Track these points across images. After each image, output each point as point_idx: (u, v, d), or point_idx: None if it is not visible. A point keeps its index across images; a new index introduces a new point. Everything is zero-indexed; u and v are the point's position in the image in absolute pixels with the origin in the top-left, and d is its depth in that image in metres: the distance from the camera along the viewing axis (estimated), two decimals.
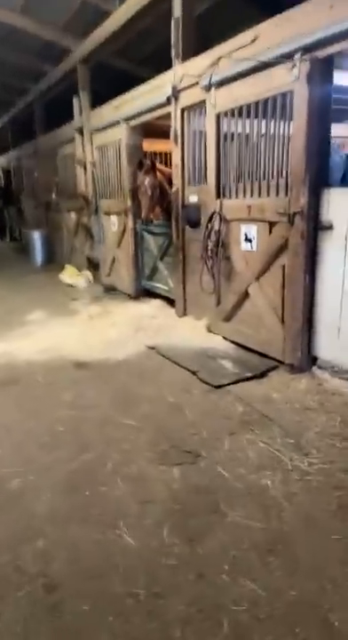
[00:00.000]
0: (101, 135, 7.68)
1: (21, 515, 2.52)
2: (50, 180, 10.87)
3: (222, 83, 4.61)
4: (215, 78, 4.66)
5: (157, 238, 6.60)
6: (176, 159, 5.70)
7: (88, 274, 8.55)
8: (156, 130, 7.42)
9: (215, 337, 5.23)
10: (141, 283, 7.32)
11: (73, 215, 9.57)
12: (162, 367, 4.56)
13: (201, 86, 4.91)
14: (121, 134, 6.91)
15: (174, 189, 5.79)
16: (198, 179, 5.52)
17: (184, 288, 6.00)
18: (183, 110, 5.45)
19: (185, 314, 6.06)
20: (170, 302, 6.62)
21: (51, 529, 2.41)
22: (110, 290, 7.83)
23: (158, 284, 6.82)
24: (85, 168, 8.47)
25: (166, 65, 5.96)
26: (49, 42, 8.53)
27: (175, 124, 5.57)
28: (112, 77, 9.46)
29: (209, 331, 5.38)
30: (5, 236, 16.33)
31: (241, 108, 4.47)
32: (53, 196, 10.49)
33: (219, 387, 4.05)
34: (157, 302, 6.79)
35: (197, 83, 5.00)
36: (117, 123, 7.00)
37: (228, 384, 4.08)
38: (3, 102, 13.74)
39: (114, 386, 4.16)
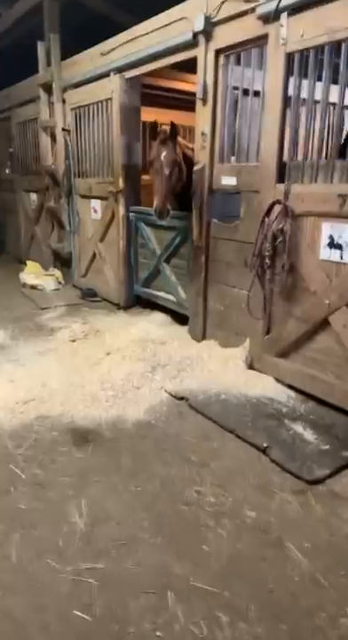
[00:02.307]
0: (79, 93, 5.84)
1: None
2: (1, 151, 8.78)
3: (302, 5, 3.05)
4: None
5: (162, 233, 4.96)
6: (202, 125, 4.08)
7: (57, 273, 6.72)
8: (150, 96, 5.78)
9: (262, 377, 3.74)
10: (133, 289, 5.65)
11: (34, 197, 7.63)
12: (208, 436, 3.01)
13: (260, 14, 3.32)
14: (111, 91, 5.14)
15: (197, 167, 4.18)
16: (239, 154, 3.95)
17: (205, 303, 4.44)
18: (218, 53, 3.83)
19: (204, 337, 4.52)
20: (177, 317, 5.04)
21: None
22: (89, 295, 6.08)
23: (160, 293, 5.19)
24: (54, 136, 6.59)
25: (152, 12, 4.41)
26: None
27: (204, 74, 3.94)
28: (81, 24, 7.55)
29: (251, 367, 3.88)
30: None
31: (339, 44, 2.94)
32: (7, 171, 8.43)
33: (316, 482, 2.58)
34: (159, 317, 5.18)
35: (252, 10, 3.39)
36: (105, 75, 5.22)
37: (329, 475, 2.62)
38: None
39: (144, 483, 2.55)
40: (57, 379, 3.70)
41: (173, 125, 4.28)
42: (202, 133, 4.08)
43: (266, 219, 3.44)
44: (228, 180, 3.97)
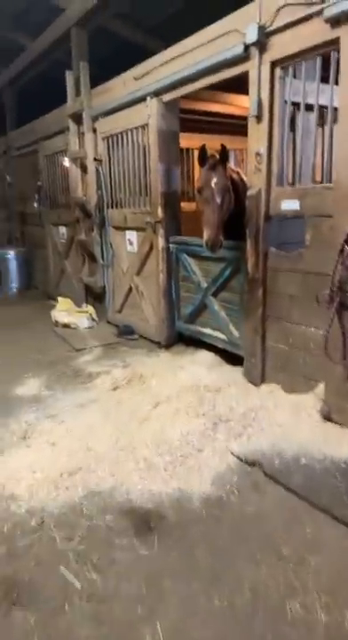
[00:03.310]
0: (111, 121, 5.53)
1: None
2: (27, 184, 8.58)
3: None
4: None
5: (209, 264, 4.50)
6: (256, 145, 3.64)
7: (90, 309, 6.31)
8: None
9: (346, 433, 3.16)
10: (175, 325, 5.18)
11: (63, 230, 7.32)
12: (297, 519, 2.44)
13: (329, 16, 2.89)
14: (147, 116, 4.79)
15: (252, 192, 3.72)
16: (302, 176, 3.50)
17: (263, 342, 3.92)
18: (274, 65, 3.42)
19: (263, 380, 3.98)
20: (227, 356, 4.52)
21: None
22: (126, 333, 5.63)
23: (207, 330, 4.70)
24: (84, 167, 6.28)
25: (182, 36, 4.15)
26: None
27: (258, 89, 3.52)
28: (109, 53, 7.37)
29: (329, 419, 3.31)
30: None
31: None
32: (35, 204, 8.20)
33: None
34: (206, 357, 4.66)
35: (318, 12, 2.97)
36: (140, 100, 4.88)
37: None
38: None
39: (231, 593, 1.99)
40: (103, 439, 3.20)
41: (224, 149, 3.86)
42: (257, 154, 3.64)
43: (346, 247, 2.93)
44: (289, 205, 3.50)
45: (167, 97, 4.61)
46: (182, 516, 2.48)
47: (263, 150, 3.59)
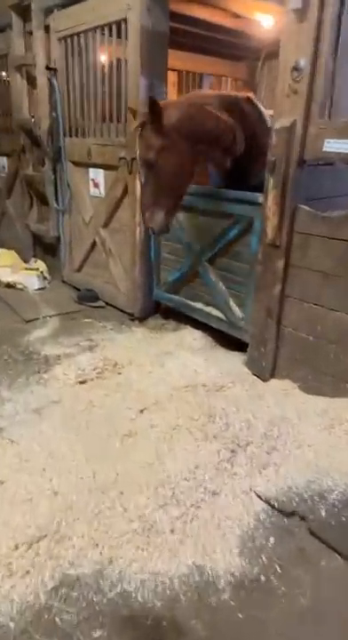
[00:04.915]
0: (71, 14, 4.11)
1: None
2: None
3: None
4: None
5: (206, 220, 3.46)
6: (292, 55, 2.56)
7: (41, 266, 5.08)
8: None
9: None
10: (153, 294, 4.16)
11: (4, 161, 5.84)
12: None
13: None
14: (126, 6, 3.47)
15: (280, 124, 2.68)
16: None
17: (278, 327, 3.04)
18: None
19: (273, 374, 3.15)
20: (217, 334, 3.64)
21: None
22: (88, 299, 4.53)
23: (197, 305, 3.73)
24: (31, 79, 4.83)
25: None
26: None
27: None
28: None
29: None
30: None
31: None
32: None
33: None
34: (194, 336, 3.74)
35: None
36: None
37: None
38: None
39: None
40: (73, 473, 2.24)
41: (152, 103, 2.76)
42: (295, 69, 2.56)
43: None
44: (336, 146, 2.51)
45: None
46: (207, 617, 1.63)
47: (303, 63, 2.52)
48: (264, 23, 4.75)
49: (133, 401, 2.86)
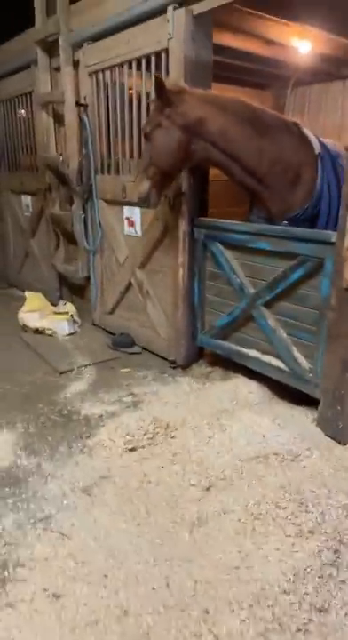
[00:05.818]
0: (103, 48, 3.89)
1: None
2: None
3: None
4: None
5: (260, 260, 3.12)
6: None
7: (71, 309, 4.76)
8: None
9: None
10: (197, 339, 3.80)
11: (28, 200, 5.63)
12: None
13: None
14: (167, 36, 3.23)
15: None
16: None
17: None
18: None
19: None
20: (274, 385, 3.24)
21: None
22: (123, 345, 4.18)
23: (252, 353, 3.34)
24: (58, 116, 4.62)
25: None
26: None
27: None
28: None
29: None
30: None
31: None
32: None
33: None
34: (250, 389, 3.32)
35: None
36: (154, 13, 3.30)
37: None
38: None
39: None
40: (143, 584, 1.83)
41: (158, 82, 2.87)
42: None
43: None
44: None
45: (200, 6, 3.07)
46: None
47: None
48: (301, 49, 4.52)
49: (195, 475, 2.46)
